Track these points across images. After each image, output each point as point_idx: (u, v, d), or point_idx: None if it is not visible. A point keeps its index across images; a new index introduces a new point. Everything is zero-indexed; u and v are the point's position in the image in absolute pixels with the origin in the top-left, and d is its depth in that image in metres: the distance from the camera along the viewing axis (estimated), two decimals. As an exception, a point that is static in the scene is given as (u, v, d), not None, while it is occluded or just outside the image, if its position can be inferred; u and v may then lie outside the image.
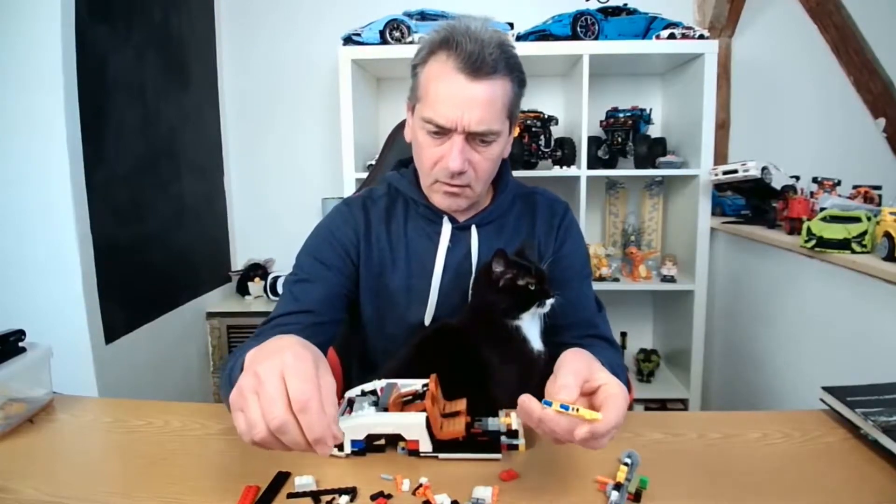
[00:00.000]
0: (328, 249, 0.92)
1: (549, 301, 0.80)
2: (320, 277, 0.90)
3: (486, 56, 0.79)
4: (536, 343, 0.82)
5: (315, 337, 0.86)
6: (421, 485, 0.62)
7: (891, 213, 1.31)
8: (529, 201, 0.99)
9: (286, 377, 0.49)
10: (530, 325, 0.81)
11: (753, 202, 1.99)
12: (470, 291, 0.90)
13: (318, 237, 0.95)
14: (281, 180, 2.53)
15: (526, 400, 0.56)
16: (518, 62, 0.85)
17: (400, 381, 0.74)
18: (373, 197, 0.98)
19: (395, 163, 1.04)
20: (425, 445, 0.67)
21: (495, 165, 0.89)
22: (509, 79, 0.83)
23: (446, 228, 0.92)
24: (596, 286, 2.06)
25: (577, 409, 0.54)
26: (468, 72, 0.79)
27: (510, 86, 0.84)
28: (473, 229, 0.93)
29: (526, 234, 0.95)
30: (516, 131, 2.09)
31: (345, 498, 0.61)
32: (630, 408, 1.00)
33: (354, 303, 0.96)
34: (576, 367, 0.59)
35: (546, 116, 2.20)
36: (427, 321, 0.92)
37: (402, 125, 1.14)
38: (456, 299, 0.91)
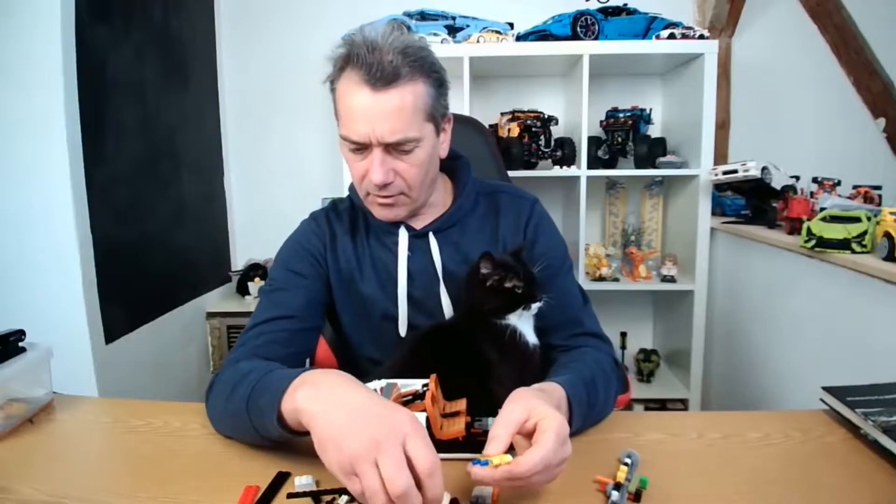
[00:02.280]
0: (299, 260, 0.92)
1: (536, 304, 0.80)
2: (297, 286, 0.89)
3: (386, 65, 0.76)
4: (531, 338, 0.83)
5: (299, 344, 0.87)
6: (421, 485, 0.62)
7: (891, 213, 1.31)
8: (493, 200, 0.97)
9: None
10: (524, 322, 0.81)
11: (753, 202, 1.99)
12: (444, 291, 0.90)
13: (288, 250, 0.94)
14: (281, 180, 2.53)
15: (469, 469, 0.57)
16: (429, 61, 0.82)
17: (400, 381, 0.74)
18: (337, 209, 0.98)
19: None
20: (425, 445, 0.67)
21: (426, 170, 0.85)
22: (420, 81, 0.80)
23: (403, 238, 0.92)
24: (596, 286, 2.08)
25: (491, 461, 0.55)
26: (370, 84, 0.77)
27: (423, 88, 0.80)
28: (431, 236, 0.92)
29: (489, 235, 0.94)
30: (517, 130, 2.11)
31: (344, 498, 0.60)
32: (630, 407, 1.00)
33: (335, 312, 0.96)
34: (507, 418, 0.59)
35: (546, 116, 2.20)
36: (402, 331, 0.92)
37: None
38: (429, 307, 0.91)
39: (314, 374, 0.62)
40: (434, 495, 0.51)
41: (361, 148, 0.81)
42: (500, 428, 0.58)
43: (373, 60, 0.76)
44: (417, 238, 0.92)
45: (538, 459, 0.55)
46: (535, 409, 0.60)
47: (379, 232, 0.94)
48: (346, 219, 0.96)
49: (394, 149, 0.81)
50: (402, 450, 0.51)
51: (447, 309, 0.91)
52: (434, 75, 0.82)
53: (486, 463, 0.56)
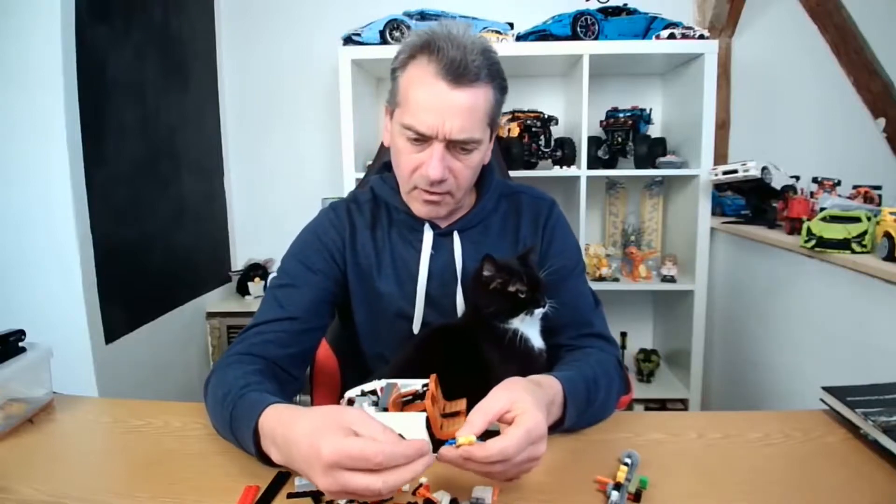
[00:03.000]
0: (314, 253, 0.91)
1: (539, 311, 0.79)
2: (306, 282, 0.88)
3: (469, 63, 0.77)
4: (537, 342, 0.82)
5: (299, 345, 0.86)
6: (421, 484, 0.62)
7: (891, 213, 1.31)
8: (514, 201, 0.97)
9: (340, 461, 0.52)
10: (529, 326, 0.81)
11: (753, 202, 1.99)
12: (459, 292, 0.90)
13: (303, 241, 0.93)
14: (281, 180, 2.53)
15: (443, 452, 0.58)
16: (500, 68, 0.83)
17: (400, 381, 0.74)
18: (358, 202, 0.97)
19: (380, 165, 1.02)
20: (425, 446, 0.67)
21: (475, 172, 0.87)
22: (492, 86, 0.81)
23: (428, 236, 0.91)
24: (596, 286, 2.05)
25: (457, 440, 0.56)
26: (450, 78, 0.77)
27: (492, 93, 0.82)
28: (456, 235, 0.92)
29: (511, 236, 0.94)
30: (517, 130, 2.12)
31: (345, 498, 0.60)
32: (630, 407, 1.00)
33: (347, 308, 0.95)
34: (488, 406, 0.60)
35: (546, 116, 2.20)
36: (416, 329, 0.91)
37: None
38: (445, 306, 0.91)
39: (270, 429, 0.62)
40: (405, 452, 0.52)
41: (421, 140, 0.81)
42: (478, 415, 0.59)
43: (456, 55, 0.77)
44: (442, 237, 0.92)
45: (496, 450, 0.56)
46: (518, 402, 0.60)
47: (402, 228, 0.93)
48: (366, 211, 0.95)
49: (454, 146, 0.81)
50: (345, 474, 0.51)
51: (462, 309, 0.91)
52: (502, 83, 0.84)
53: (454, 443, 0.56)
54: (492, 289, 0.80)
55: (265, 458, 0.63)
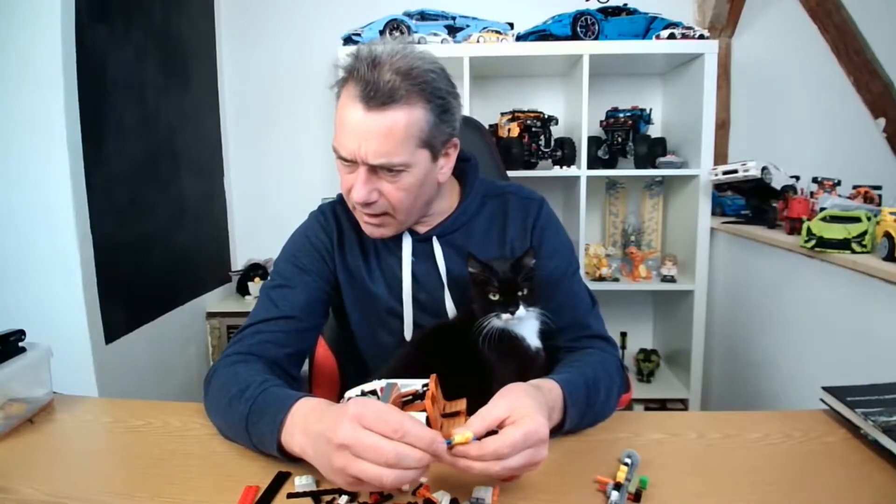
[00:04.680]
0: (305, 254, 0.91)
1: (506, 315, 0.77)
2: (300, 283, 0.89)
3: (382, 85, 0.74)
4: (533, 341, 0.82)
5: (297, 344, 0.86)
6: (421, 484, 0.62)
7: (891, 213, 1.31)
8: (501, 202, 0.95)
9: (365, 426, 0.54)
10: (524, 325, 0.81)
11: (753, 202, 1.99)
12: (448, 296, 0.90)
13: (294, 243, 0.94)
14: (281, 180, 2.53)
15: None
16: (434, 86, 0.78)
17: (400, 381, 0.74)
18: (344, 204, 0.96)
19: None
20: (425, 445, 0.67)
21: (414, 194, 0.82)
22: (419, 106, 0.77)
23: (407, 243, 0.91)
24: (596, 286, 2.08)
25: (453, 439, 0.56)
26: (364, 101, 0.75)
27: (420, 113, 0.77)
28: (435, 241, 0.91)
29: (497, 238, 0.93)
30: (517, 130, 2.12)
31: (344, 498, 0.61)
32: (630, 407, 1.00)
33: (341, 308, 0.95)
34: (488, 413, 0.60)
35: (546, 116, 2.20)
36: (407, 335, 0.91)
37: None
38: (435, 310, 0.91)
39: (301, 415, 0.64)
40: (416, 439, 0.54)
41: (350, 162, 0.80)
42: (478, 420, 0.59)
43: (370, 78, 0.75)
44: (421, 242, 0.92)
45: (491, 449, 0.56)
46: (519, 409, 0.60)
47: None
48: (352, 214, 0.94)
49: (380, 170, 0.79)
50: (355, 462, 0.53)
51: (451, 313, 0.91)
52: (437, 101, 0.79)
53: (450, 442, 0.56)
54: (479, 282, 0.81)
55: (281, 450, 0.65)
